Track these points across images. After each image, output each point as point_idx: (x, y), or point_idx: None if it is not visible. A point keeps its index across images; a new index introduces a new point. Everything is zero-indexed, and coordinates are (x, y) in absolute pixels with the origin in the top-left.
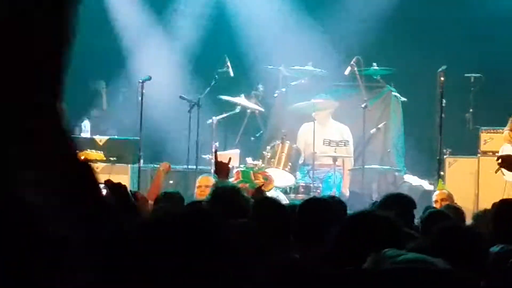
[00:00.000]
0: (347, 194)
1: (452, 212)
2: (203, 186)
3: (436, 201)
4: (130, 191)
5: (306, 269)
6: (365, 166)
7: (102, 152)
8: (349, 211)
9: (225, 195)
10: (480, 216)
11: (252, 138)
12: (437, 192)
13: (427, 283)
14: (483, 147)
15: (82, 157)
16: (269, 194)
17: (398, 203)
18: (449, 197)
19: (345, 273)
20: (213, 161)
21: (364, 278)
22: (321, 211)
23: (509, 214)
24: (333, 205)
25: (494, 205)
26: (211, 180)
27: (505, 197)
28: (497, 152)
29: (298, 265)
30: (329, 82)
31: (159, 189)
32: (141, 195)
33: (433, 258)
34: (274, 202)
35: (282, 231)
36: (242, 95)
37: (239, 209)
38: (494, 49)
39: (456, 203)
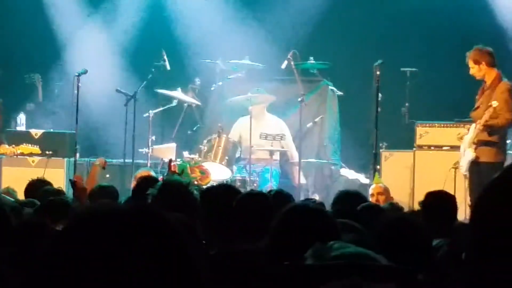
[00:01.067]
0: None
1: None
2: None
3: (372, 195)
4: (70, 179)
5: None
6: (302, 160)
7: (37, 146)
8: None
9: (173, 189)
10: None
11: (189, 132)
12: (373, 186)
13: (370, 279)
14: (418, 141)
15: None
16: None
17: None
18: (385, 191)
19: (287, 268)
20: (149, 154)
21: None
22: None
23: (436, 207)
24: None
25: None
26: (150, 173)
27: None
28: (432, 146)
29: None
30: (266, 76)
31: (94, 184)
32: (80, 184)
33: (374, 253)
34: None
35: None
36: (179, 89)
37: (187, 203)
38: (430, 43)
39: (392, 197)
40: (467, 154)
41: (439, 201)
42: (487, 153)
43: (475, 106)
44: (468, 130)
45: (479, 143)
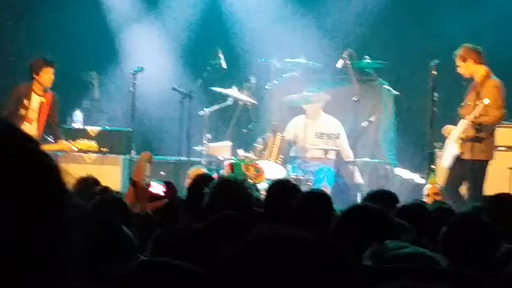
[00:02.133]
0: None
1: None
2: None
3: (427, 195)
4: (131, 178)
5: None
6: (356, 159)
7: (94, 141)
8: (338, 205)
9: (229, 186)
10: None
11: (244, 130)
12: (428, 186)
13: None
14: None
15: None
16: (260, 186)
17: (382, 199)
18: (441, 191)
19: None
20: (204, 152)
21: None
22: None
23: (503, 209)
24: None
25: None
26: (203, 171)
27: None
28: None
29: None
30: (321, 75)
31: (141, 179)
32: (140, 184)
33: (432, 252)
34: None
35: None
36: (234, 87)
37: (243, 201)
38: (487, 44)
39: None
40: (452, 148)
41: (504, 204)
42: (473, 150)
43: (464, 103)
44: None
45: (466, 139)
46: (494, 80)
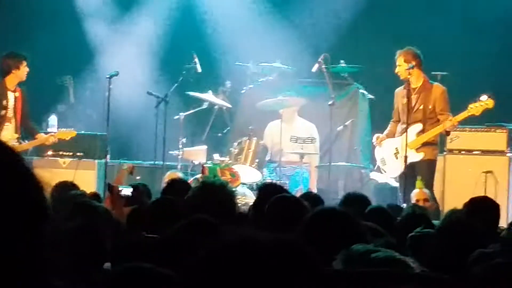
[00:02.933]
0: (315, 191)
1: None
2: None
3: (417, 201)
4: (108, 183)
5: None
6: (332, 163)
7: (73, 129)
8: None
9: (212, 189)
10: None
11: (220, 134)
12: (416, 191)
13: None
14: (449, 145)
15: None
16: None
17: (355, 202)
18: (430, 196)
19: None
20: (179, 157)
21: (340, 280)
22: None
23: (481, 212)
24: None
25: (465, 204)
26: (179, 175)
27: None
28: (463, 150)
29: None
30: (297, 79)
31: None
32: (117, 189)
33: (402, 256)
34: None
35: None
36: (210, 91)
37: (224, 204)
38: (461, 46)
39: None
40: (410, 156)
41: (484, 207)
42: (429, 152)
43: (414, 109)
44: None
45: (423, 144)
46: (439, 86)
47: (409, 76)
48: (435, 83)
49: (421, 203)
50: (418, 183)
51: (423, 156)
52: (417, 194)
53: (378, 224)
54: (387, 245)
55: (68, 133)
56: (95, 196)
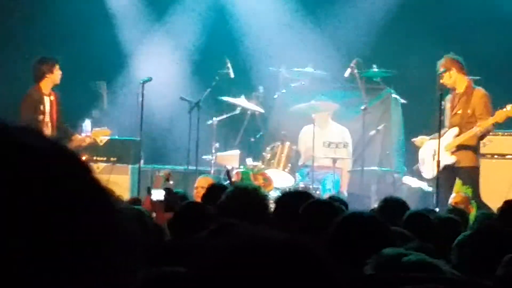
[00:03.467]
0: (346, 195)
1: (457, 214)
2: (199, 187)
3: (455, 203)
4: (148, 187)
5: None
6: (364, 168)
7: (106, 127)
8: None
9: (243, 194)
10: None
11: (252, 139)
12: (453, 195)
13: None
14: (482, 150)
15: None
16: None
17: (393, 207)
18: (466, 200)
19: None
20: (212, 162)
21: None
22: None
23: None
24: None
25: (499, 208)
26: (210, 180)
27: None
28: (496, 154)
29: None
30: (329, 84)
31: None
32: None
33: (434, 259)
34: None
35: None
36: (243, 96)
37: (257, 208)
38: (495, 51)
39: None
40: (444, 159)
41: None
42: (467, 158)
43: (453, 113)
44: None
45: (458, 148)
46: (481, 89)
47: (450, 83)
48: (477, 88)
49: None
50: (457, 186)
51: (458, 160)
52: (453, 197)
53: (418, 229)
54: (418, 249)
55: (103, 132)
56: (136, 201)
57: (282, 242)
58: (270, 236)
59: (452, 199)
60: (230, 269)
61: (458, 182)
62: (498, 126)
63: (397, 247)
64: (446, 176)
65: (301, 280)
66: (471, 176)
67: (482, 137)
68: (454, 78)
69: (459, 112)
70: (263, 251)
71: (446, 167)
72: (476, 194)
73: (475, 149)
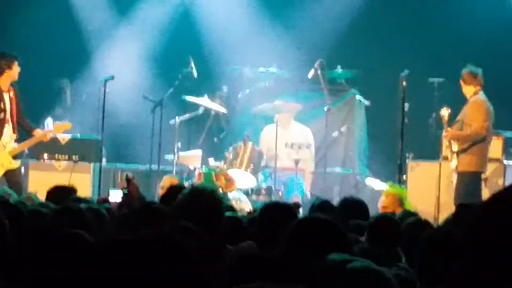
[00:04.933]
0: (309, 196)
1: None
2: (165, 187)
3: (383, 207)
4: (127, 176)
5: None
6: (327, 169)
7: (67, 121)
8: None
9: (201, 196)
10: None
11: (215, 139)
12: (381, 198)
13: None
14: (444, 152)
15: None
16: (230, 195)
17: (353, 208)
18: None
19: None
20: (175, 161)
21: None
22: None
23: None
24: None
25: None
26: (175, 180)
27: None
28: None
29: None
30: (293, 84)
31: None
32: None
33: (379, 267)
34: None
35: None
36: (206, 96)
37: (213, 211)
38: (457, 53)
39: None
40: (451, 164)
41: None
42: (464, 162)
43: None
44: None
45: (459, 152)
46: (477, 97)
47: (465, 94)
48: (477, 95)
49: (388, 210)
50: (387, 189)
51: (457, 166)
52: (381, 200)
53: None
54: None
55: (64, 126)
56: (105, 201)
57: (147, 238)
58: (132, 235)
59: (381, 202)
60: (99, 270)
61: (388, 183)
62: None
63: (353, 252)
64: (456, 181)
65: (170, 274)
66: (460, 180)
67: (476, 142)
68: (465, 90)
69: (458, 119)
70: (128, 249)
71: (454, 172)
72: (457, 198)
73: (474, 153)
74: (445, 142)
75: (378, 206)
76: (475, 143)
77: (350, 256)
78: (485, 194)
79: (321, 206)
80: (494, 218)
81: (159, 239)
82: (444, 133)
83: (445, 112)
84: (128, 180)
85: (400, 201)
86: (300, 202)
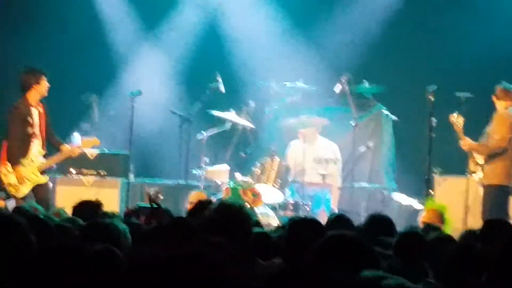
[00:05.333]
0: (336, 212)
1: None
2: (193, 202)
3: (422, 223)
4: (149, 194)
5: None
6: (354, 184)
7: (94, 136)
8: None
9: (228, 211)
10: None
11: (242, 154)
12: (423, 213)
13: None
14: (471, 167)
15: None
16: (257, 210)
17: (381, 225)
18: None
19: None
20: (202, 176)
21: None
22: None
23: (494, 234)
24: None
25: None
26: (203, 196)
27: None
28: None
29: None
30: (320, 99)
31: None
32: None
33: (412, 284)
34: None
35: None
36: (233, 111)
37: (241, 226)
38: (485, 68)
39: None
40: (475, 176)
41: (500, 230)
42: (490, 175)
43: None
44: None
45: (485, 164)
46: (504, 111)
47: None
48: (504, 110)
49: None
50: (428, 203)
51: (482, 178)
52: (422, 216)
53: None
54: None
55: (92, 141)
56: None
57: (182, 256)
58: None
59: (421, 217)
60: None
61: (429, 198)
62: None
63: (381, 269)
64: (483, 194)
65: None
66: (486, 194)
67: (496, 154)
68: (497, 105)
69: (486, 131)
70: (166, 267)
71: (480, 184)
72: (484, 214)
73: (500, 166)
74: (472, 158)
75: (418, 221)
76: (496, 155)
77: (382, 273)
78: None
79: (336, 220)
80: None
81: (192, 256)
82: (462, 143)
83: (457, 119)
84: (150, 196)
85: (441, 216)
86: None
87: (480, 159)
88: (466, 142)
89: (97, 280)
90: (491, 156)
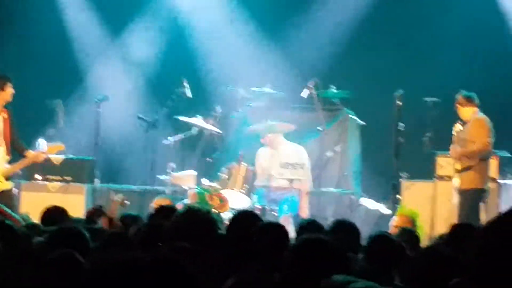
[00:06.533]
0: (306, 217)
1: (407, 235)
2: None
3: (395, 227)
4: (101, 207)
5: None
6: (321, 189)
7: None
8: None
9: (195, 216)
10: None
11: (209, 159)
12: (395, 218)
13: None
14: (439, 171)
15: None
16: (224, 215)
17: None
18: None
19: None
20: (168, 181)
21: None
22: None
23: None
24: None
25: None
26: (167, 201)
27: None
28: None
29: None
30: (287, 104)
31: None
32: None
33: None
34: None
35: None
36: (199, 116)
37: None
38: (452, 73)
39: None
40: (454, 182)
41: (466, 234)
42: (467, 180)
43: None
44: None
45: (462, 170)
46: (477, 116)
47: (462, 116)
48: (477, 115)
49: (394, 229)
50: (400, 209)
51: (460, 182)
52: (394, 220)
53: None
54: (363, 273)
55: (57, 147)
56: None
57: (153, 260)
58: (140, 256)
59: (393, 222)
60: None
61: (401, 204)
62: None
63: (352, 273)
64: (459, 199)
65: None
66: (463, 198)
67: (484, 157)
68: (463, 112)
69: (462, 137)
70: (137, 269)
71: (456, 190)
72: (461, 218)
73: (476, 170)
74: (439, 162)
75: (389, 226)
76: (483, 159)
77: (352, 277)
78: (482, 213)
79: (309, 225)
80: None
81: (159, 261)
82: (451, 151)
83: (457, 128)
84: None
85: (413, 222)
86: (292, 221)
87: (458, 165)
88: (456, 151)
89: (57, 285)
90: (475, 160)
